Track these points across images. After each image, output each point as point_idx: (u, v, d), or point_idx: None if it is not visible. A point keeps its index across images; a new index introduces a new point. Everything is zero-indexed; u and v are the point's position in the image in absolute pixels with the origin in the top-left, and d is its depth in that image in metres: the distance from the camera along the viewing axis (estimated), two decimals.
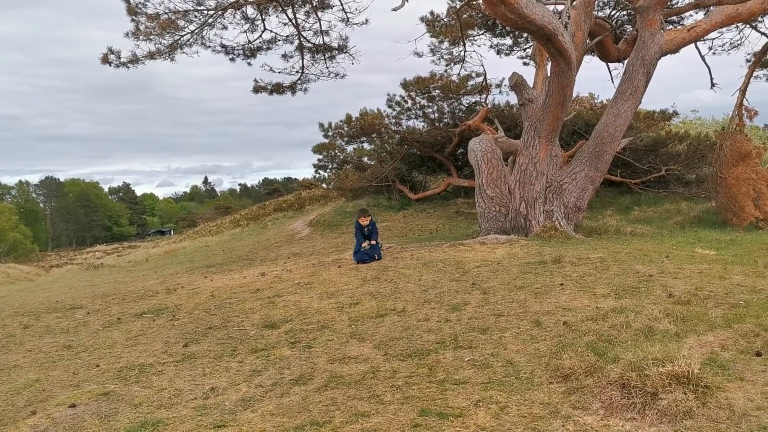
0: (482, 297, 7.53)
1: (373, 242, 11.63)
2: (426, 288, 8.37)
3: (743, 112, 16.56)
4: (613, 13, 21.37)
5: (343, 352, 6.04)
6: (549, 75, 13.28)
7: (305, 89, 16.96)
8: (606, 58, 17.45)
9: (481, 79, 22.76)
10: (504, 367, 5.18)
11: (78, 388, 5.75)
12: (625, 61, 15.12)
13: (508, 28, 20.68)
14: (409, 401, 4.64)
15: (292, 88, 16.69)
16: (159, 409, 5.01)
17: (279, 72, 16.07)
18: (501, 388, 4.73)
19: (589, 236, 13.20)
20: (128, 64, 13.59)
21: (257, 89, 16.66)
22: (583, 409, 4.22)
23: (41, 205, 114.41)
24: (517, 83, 13.97)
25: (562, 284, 7.78)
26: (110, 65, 13.57)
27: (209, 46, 14.64)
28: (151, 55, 13.50)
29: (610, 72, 19.45)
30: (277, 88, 16.56)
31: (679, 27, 16.07)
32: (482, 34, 21.82)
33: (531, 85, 15.18)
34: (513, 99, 24.71)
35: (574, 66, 12.10)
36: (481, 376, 5.01)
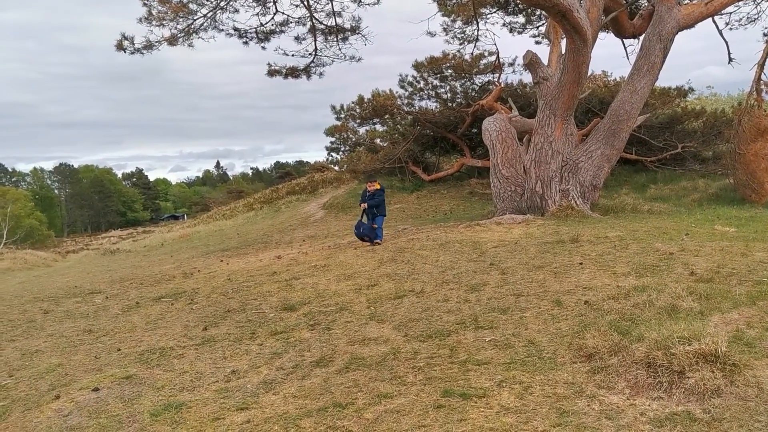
0: (501, 277, 7.48)
1: (364, 205, 11.83)
2: (444, 269, 8.33)
3: (762, 86, 16.26)
4: None
5: (363, 334, 6.02)
6: (564, 53, 13.11)
7: (320, 73, 16.81)
8: (621, 34, 17.15)
9: (493, 58, 22.55)
10: (526, 347, 5.14)
11: (100, 372, 5.78)
12: (641, 37, 14.88)
13: (521, 5, 20.43)
14: (432, 382, 4.62)
15: (307, 71, 16.53)
16: (181, 392, 5.03)
17: (292, 55, 15.96)
18: (524, 368, 4.70)
19: (605, 215, 13.09)
20: (142, 50, 13.52)
21: (272, 73, 16.52)
22: (608, 388, 4.19)
23: (56, 191, 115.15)
24: (531, 61, 13.81)
25: (581, 263, 7.71)
26: (125, 52, 13.52)
27: (222, 29, 14.55)
28: (167, 41, 13.41)
29: (625, 48, 19.23)
30: (292, 72, 16.41)
31: (695, 1, 15.77)
32: (494, 12, 21.53)
33: (545, 63, 15.00)
34: (526, 78, 24.51)
35: (589, 43, 11.93)
36: (503, 357, 4.98)
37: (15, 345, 7.28)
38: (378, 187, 12.04)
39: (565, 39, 13.12)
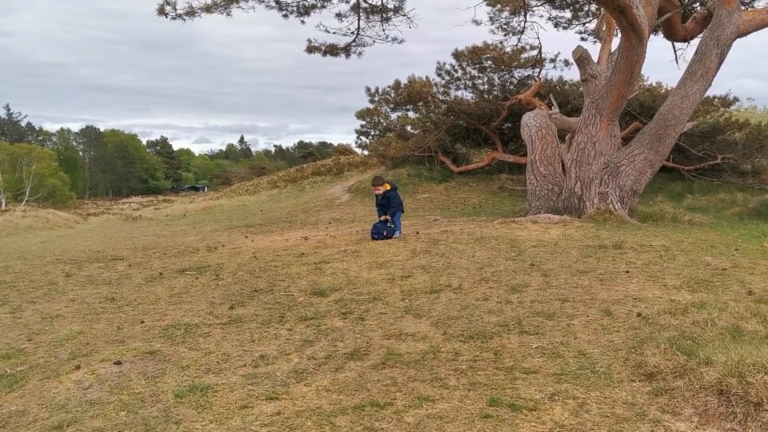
0: (543, 279, 7.12)
1: (385, 217, 10.61)
2: (481, 265, 7.97)
3: None
4: None
5: (399, 328, 5.70)
6: (616, 50, 12.63)
7: (360, 53, 16.38)
8: (672, 36, 16.59)
9: (535, 52, 22.03)
10: (576, 358, 4.79)
11: (123, 344, 5.52)
12: (696, 41, 14.31)
13: None
14: (476, 388, 4.30)
15: (347, 50, 16.12)
16: (207, 374, 4.75)
17: (333, 32, 15.55)
18: (576, 381, 4.35)
19: (643, 221, 12.64)
20: (184, 17, 13.20)
21: (311, 49, 16.15)
22: (673, 413, 3.83)
23: (80, 153, 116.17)
24: (581, 57, 13.32)
25: (627, 272, 7.33)
26: (166, 17, 13.21)
27: (263, 1, 14.18)
28: (207, 8, 13.08)
29: (675, 52, 18.58)
30: (332, 49, 16.02)
31: (757, 8, 15.15)
32: (541, 5, 20.98)
33: (594, 61, 14.50)
34: (567, 75, 23.99)
35: (645, 42, 11.43)
36: (552, 367, 4.63)
37: (35, 307, 7.07)
38: (388, 187, 10.75)
39: (617, 37, 12.64)
